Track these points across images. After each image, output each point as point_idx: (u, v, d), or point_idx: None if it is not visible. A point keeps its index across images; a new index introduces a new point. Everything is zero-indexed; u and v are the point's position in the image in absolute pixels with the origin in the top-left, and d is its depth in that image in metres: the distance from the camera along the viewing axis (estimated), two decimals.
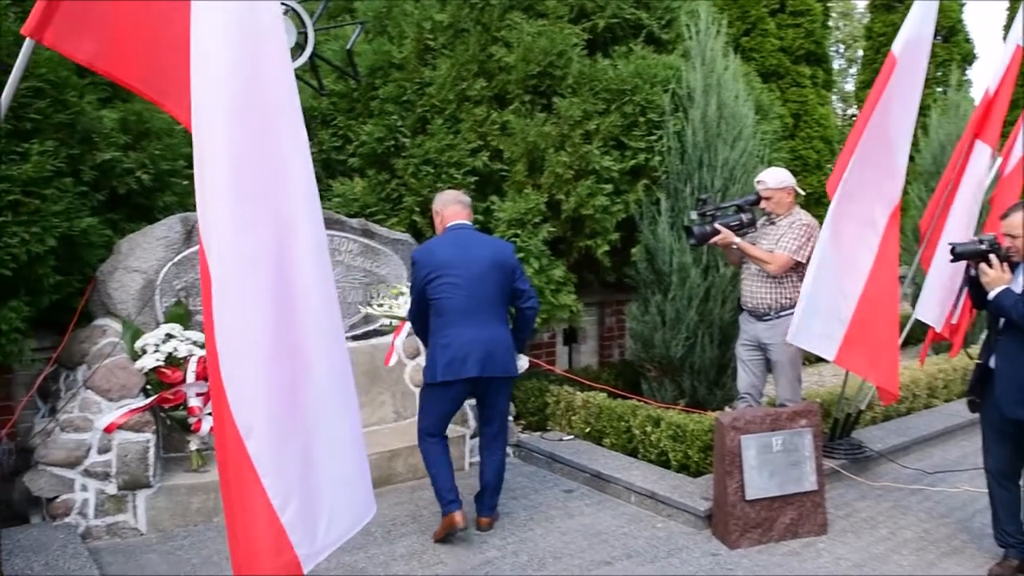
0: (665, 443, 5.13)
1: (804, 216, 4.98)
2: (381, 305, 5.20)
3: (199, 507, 4.50)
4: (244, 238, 2.21)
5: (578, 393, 5.94)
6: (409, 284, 4.33)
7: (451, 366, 4.06)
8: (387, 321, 5.18)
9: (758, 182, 5.06)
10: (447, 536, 4.23)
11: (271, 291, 2.25)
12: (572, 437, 5.79)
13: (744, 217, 5.03)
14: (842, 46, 25.00)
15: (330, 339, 2.43)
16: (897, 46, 4.64)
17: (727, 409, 5.66)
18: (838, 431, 5.44)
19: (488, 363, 4.10)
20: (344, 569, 3.97)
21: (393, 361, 4.92)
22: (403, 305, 5.17)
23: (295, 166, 2.29)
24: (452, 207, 4.32)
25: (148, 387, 4.50)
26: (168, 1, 2.32)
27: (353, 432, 2.52)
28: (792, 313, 4.71)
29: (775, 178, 4.99)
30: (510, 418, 5.87)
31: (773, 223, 5.04)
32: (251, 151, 2.19)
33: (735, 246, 4.99)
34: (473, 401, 4.69)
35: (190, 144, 2.31)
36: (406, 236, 5.87)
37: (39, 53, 4.62)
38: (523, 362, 5.44)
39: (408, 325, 4.87)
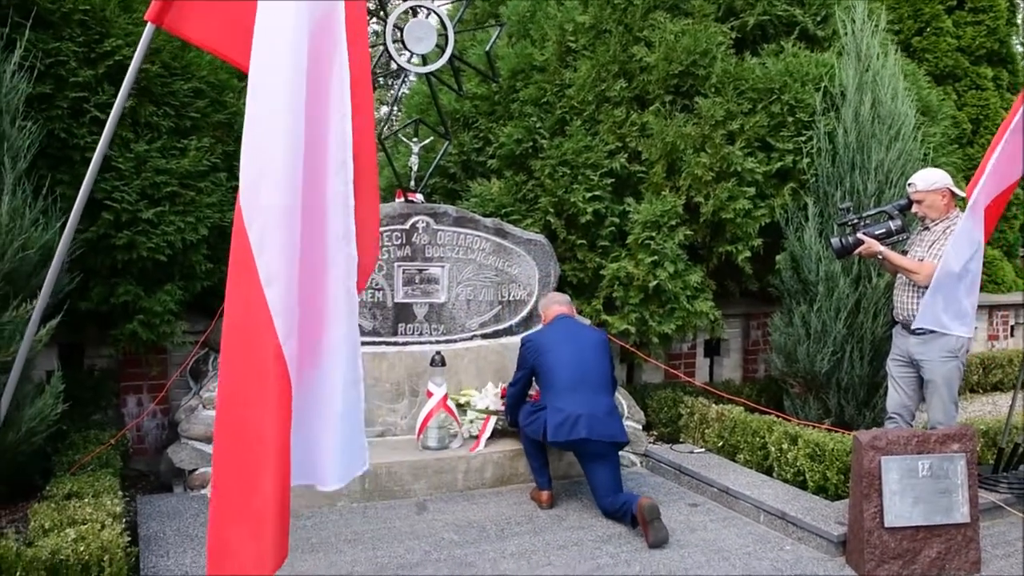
0: (802, 462, 4.81)
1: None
2: (471, 420, 5.32)
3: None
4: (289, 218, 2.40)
5: (712, 405, 5.69)
6: (518, 360, 4.91)
7: (561, 428, 4.44)
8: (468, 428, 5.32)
9: (908, 184, 4.65)
10: (540, 505, 4.79)
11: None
12: (704, 450, 5.55)
13: (893, 224, 4.64)
14: None
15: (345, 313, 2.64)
16: None
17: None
18: (1003, 463, 4.89)
19: (595, 427, 4.44)
20: (454, 562, 3.98)
21: (481, 447, 5.16)
22: (481, 403, 5.34)
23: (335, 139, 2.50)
24: (554, 306, 5.01)
25: None
26: None
27: (348, 393, 2.69)
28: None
29: (926, 179, 4.57)
30: (639, 427, 5.73)
31: (927, 228, 4.62)
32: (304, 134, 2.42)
33: (880, 256, 4.62)
34: None
35: None
36: (540, 237, 5.83)
37: (201, 56, 4.99)
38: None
39: (492, 420, 5.22)
